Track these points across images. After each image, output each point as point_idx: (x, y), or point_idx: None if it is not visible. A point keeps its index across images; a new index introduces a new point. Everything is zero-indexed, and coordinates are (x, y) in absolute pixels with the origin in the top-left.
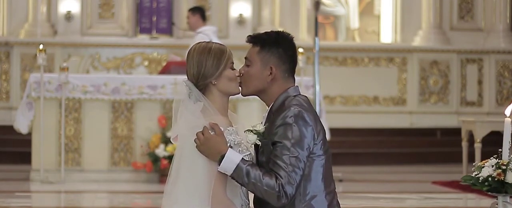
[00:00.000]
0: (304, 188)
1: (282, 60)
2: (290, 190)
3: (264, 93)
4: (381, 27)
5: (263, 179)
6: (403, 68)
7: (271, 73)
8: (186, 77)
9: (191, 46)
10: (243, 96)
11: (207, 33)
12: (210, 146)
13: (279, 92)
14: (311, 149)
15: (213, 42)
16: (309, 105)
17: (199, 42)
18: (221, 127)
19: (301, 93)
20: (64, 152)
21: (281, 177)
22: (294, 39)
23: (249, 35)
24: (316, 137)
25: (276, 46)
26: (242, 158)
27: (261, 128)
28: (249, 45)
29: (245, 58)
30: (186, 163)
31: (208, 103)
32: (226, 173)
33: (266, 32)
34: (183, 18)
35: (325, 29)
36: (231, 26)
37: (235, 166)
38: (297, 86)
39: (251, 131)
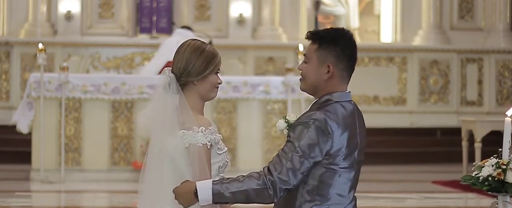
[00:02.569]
0: (310, 194)
1: (339, 58)
2: (279, 182)
3: (317, 90)
4: (381, 27)
5: (242, 182)
6: (403, 67)
7: (328, 71)
8: (171, 69)
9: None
10: (301, 90)
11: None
12: (181, 194)
13: (328, 91)
14: (323, 158)
15: (208, 44)
16: (344, 116)
17: (194, 39)
18: (203, 126)
19: (350, 100)
20: (64, 152)
21: (275, 170)
22: (353, 36)
23: (309, 31)
24: (333, 147)
25: (334, 44)
26: (212, 181)
27: (292, 119)
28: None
29: (304, 54)
30: (168, 166)
31: (184, 100)
32: (209, 203)
33: (325, 29)
34: (183, 18)
35: None
36: (231, 25)
37: (211, 191)
38: (348, 92)
39: (285, 118)
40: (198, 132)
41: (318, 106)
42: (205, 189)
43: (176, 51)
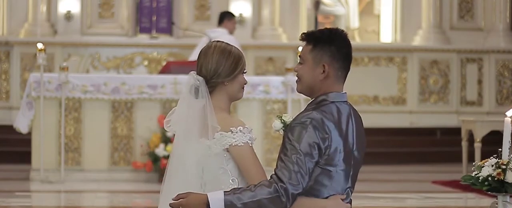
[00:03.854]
0: (307, 194)
1: (335, 58)
2: (291, 188)
3: (313, 91)
4: (381, 27)
5: (253, 191)
6: (403, 67)
7: (324, 71)
8: (196, 72)
9: (206, 43)
10: (298, 92)
11: (214, 35)
12: (192, 206)
13: (324, 92)
14: (322, 158)
15: (232, 45)
16: (340, 116)
17: (218, 41)
18: (240, 126)
19: (345, 100)
20: (64, 152)
21: (284, 176)
22: (348, 36)
23: (303, 33)
24: (330, 146)
25: (328, 44)
26: (224, 192)
27: (288, 119)
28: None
29: (299, 56)
30: (189, 170)
31: (210, 102)
32: None
33: (319, 30)
34: (183, 18)
35: None
36: None
37: (223, 202)
38: (344, 93)
39: (280, 118)
40: (237, 132)
41: (314, 106)
42: (217, 200)
43: (203, 54)
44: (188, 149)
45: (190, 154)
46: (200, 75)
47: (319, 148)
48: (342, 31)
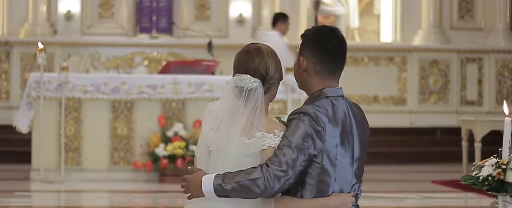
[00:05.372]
0: (311, 193)
1: (312, 52)
2: (277, 172)
3: (303, 86)
4: (381, 27)
5: (241, 175)
6: (403, 67)
7: (301, 65)
8: (247, 74)
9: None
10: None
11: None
12: (192, 185)
13: (316, 88)
14: (321, 154)
15: None
16: (334, 111)
17: (261, 43)
18: (276, 129)
19: (341, 95)
20: (64, 152)
21: (271, 162)
22: (339, 33)
23: None
24: (326, 141)
25: (309, 39)
26: (216, 174)
27: (286, 119)
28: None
29: None
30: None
31: (262, 104)
32: (212, 195)
33: (315, 26)
34: (183, 18)
35: None
36: (231, 25)
37: (212, 183)
38: (339, 88)
39: (279, 119)
40: (278, 136)
41: (309, 102)
42: (208, 179)
43: (256, 55)
44: (228, 147)
45: (230, 152)
46: (254, 76)
47: (313, 140)
48: (331, 28)
